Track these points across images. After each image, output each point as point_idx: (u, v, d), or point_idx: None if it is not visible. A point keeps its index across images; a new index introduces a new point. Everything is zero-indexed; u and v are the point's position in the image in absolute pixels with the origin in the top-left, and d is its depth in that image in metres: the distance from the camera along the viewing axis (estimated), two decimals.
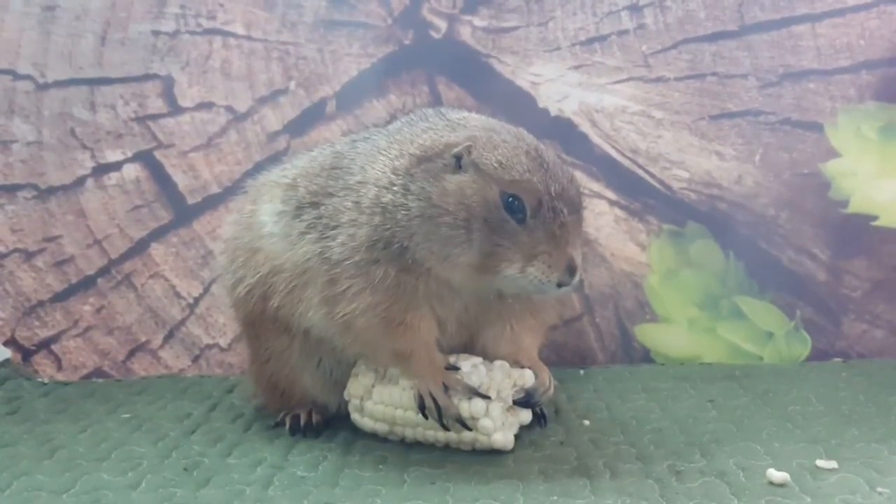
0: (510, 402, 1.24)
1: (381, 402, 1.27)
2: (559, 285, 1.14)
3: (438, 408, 1.19)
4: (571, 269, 1.13)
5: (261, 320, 1.34)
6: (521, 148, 1.17)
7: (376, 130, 1.33)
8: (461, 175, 1.16)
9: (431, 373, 1.20)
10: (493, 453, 1.22)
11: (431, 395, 1.20)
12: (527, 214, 1.13)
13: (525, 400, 1.25)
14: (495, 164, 1.14)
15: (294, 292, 1.27)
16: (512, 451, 1.24)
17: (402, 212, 1.17)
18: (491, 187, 1.14)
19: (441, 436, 1.22)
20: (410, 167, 1.19)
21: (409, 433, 1.25)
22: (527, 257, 1.13)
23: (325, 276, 1.22)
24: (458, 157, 1.17)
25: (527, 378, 1.25)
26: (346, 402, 1.33)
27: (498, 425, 1.21)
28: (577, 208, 1.17)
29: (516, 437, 1.25)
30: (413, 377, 1.22)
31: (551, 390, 1.27)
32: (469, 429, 1.20)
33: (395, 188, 1.18)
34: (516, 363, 1.26)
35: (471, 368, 1.21)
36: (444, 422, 1.20)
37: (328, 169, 1.28)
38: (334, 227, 1.21)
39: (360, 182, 1.22)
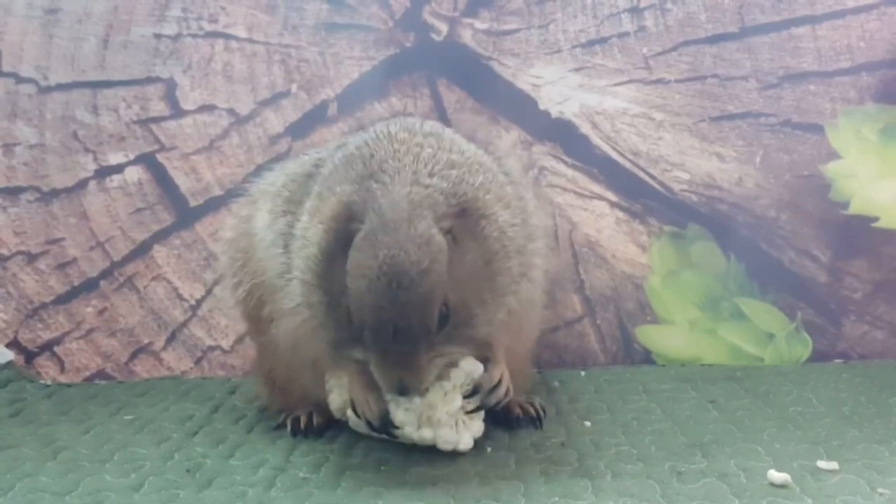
0: (466, 404, 1.21)
1: (356, 424, 1.27)
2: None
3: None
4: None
5: (260, 319, 1.34)
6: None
7: (353, 139, 1.28)
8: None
9: (361, 386, 1.20)
10: (495, 453, 1.23)
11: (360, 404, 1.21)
12: None
13: (474, 394, 1.20)
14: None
15: (275, 305, 1.28)
16: (513, 451, 1.24)
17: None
18: None
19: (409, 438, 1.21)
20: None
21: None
22: None
23: (278, 291, 1.24)
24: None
25: (474, 369, 1.19)
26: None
27: (449, 429, 1.19)
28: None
29: (517, 434, 1.24)
30: (350, 386, 1.24)
31: (502, 391, 1.22)
32: (394, 436, 1.20)
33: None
34: (480, 356, 1.22)
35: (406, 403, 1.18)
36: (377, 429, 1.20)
37: (303, 176, 1.27)
38: (291, 241, 1.21)
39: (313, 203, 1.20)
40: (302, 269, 1.15)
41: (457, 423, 1.20)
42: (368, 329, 1.07)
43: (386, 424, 1.19)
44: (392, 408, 1.18)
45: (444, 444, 1.19)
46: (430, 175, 1.12)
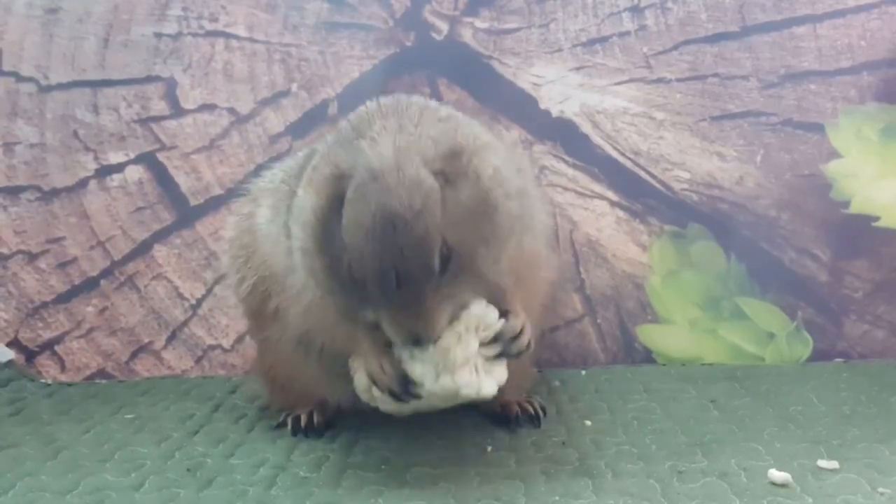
0: (484, 349, 1.16)
1: (384, 402, 1.26)
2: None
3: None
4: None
5: (263, 315, 1.35)
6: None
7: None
8: None
9: (373, 353, 1.18)
10: (495, 452, 1.23)
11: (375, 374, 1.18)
12: None
13: (495, 342, 1.17)
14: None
15: (284, 294, 1.27)
16: (514, 451, 1.24)
17: None
18: None
19: (430, 404, 1.18)
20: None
21: (417, 406, 1.22)
22: None
23: (287, 277, 1.23)
24: None
25: (486, 313, 1.15)
26: (345, 397, 1.32)
27: (468, 372, 1.13)
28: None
29: (517, 433, 1.24)
30: (364, 357, 1.21)
31: (524, 339, 1.18)
32: (419, 397, 1.15)
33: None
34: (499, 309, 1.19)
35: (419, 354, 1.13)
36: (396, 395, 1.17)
37: (299, 168, 1.27)
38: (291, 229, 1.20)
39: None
40: (301, 238, 1.14)
41: (476, 368, 1.14)
42: (371, 281, 1.05)
43: (405, 386, 1.15)
44: (408, 367, 1.14)
45: (466, 388, 1.12)
46: (417, 125, 1.11)
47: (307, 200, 1.14)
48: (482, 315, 1.14)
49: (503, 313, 1.17)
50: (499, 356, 1.17)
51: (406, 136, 1.09)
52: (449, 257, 1.07)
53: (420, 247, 1.04)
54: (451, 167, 1.09)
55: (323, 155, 1.17)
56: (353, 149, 1.10)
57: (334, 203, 1.09)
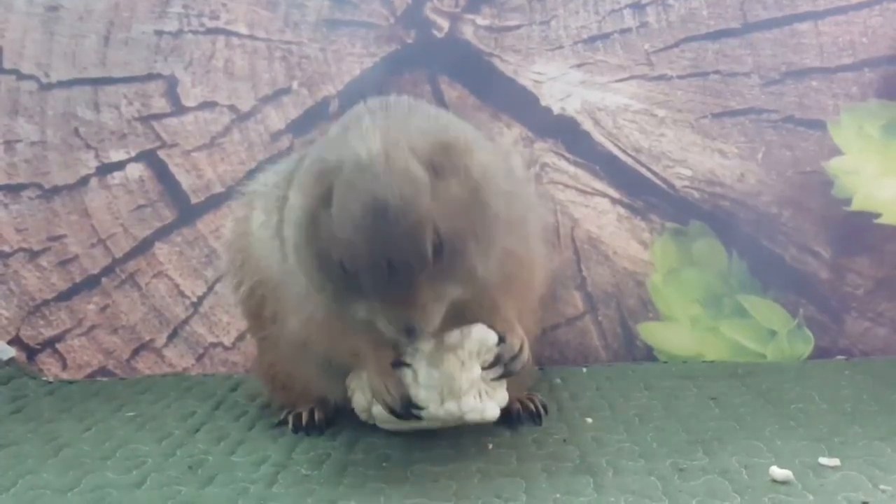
0: (486, 373, 1.19)
1: (383, 419, 1.26)
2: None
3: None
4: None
5: (261, 317, 1.35)
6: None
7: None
8: None
9: (378, 372, 1.18)
10: (496, 450, 1.23)
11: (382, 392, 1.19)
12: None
13: (495, 364, 1.19)
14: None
15: (280, 301, 1.27)
16: (515, 448, 1.24)
17: None
18: None
19: (430, 425, 1.20)
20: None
21: (417, 425, 1.23)
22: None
23: (282, 287, 1.23)
24: None
25: (486, 337, 1.18)
26: (346, 396, 1.32)
27: (472, 398, 1.16)
28: None
29: (518, 431, 1.24)
30: (368, 375, 1.22)
31: (524, 356, 1.20)
32: (420, 419, 1.17)
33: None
34: (491, 327, 1.20)
35: (425, 366, 1.16)
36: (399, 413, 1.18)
37: (291, 172, 1.26)
38: (285, 237, 1.19)
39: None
40: (293, 237, 1.14)
41: (480, 393, 1.17)
42: (363, 271, 1.04)
43: (408, 407, 1.16)
44: (412, 390, 1.16)
45: (471, 413, 1.15)
46: (406, 120, 1.11)
47: (297, 199, 1.12)
48: (482, 339, 1.17)
49: (499, 333, 1.18)
50: (500, 377, 1.19)
51: (395, 129, 1.08)
52: (441, 247, 1.05)
53: (412, 234, 1.03)
54: (441, 161, 1.07)
55: (312, 156, 1.16)
56: (340, 143, 1.09)
57: (323, 198, 1.07)
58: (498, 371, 1.18)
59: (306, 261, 1.12)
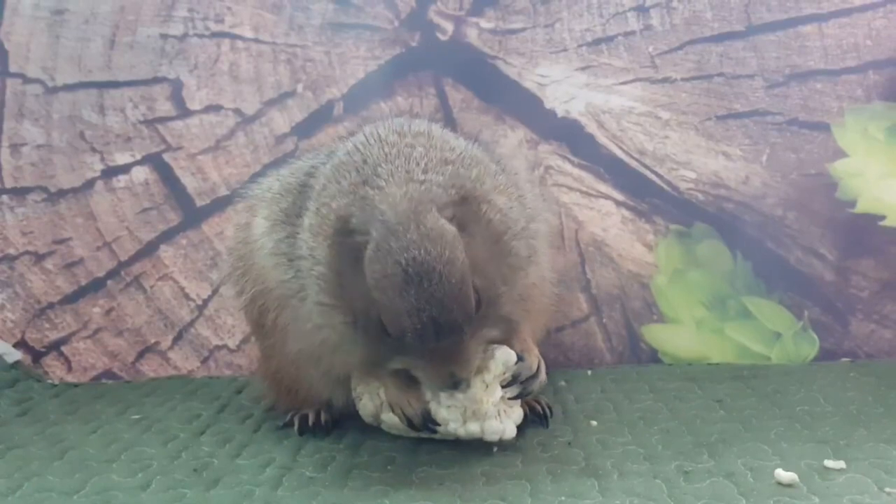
0: (506, 392, 1.22)
1: (391, 426, 1.27)
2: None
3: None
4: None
5: (263, 326, 1.35)
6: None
7: (342, 145, 1.27)
8: None
9: (397, 386, 1.21)
10: (501, 453, 1.23)
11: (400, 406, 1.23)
12: None
13: (513, 383, 1.21)
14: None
15: (283, 313, 1.28)
16: (520, 451, 1.24)
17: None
18: None
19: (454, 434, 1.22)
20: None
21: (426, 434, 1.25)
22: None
23: (288, 305, 1.24)
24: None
25: (509, 359, 1.21)
26: (352, 398, 1.32)
27: (494, 419, 1.19)
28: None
29: (524, 433, 1.24)
30: (386, 389, 1.24)
31: (541, 376, 1.24)
32: (434, 432, 1.21)
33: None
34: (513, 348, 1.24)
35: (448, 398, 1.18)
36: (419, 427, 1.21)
37: (298, 186, 1.27)
38: (298, 257, 1.20)
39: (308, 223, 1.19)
40: (316, 292, 1.15)
41: (499, 413, 1.20)
42: (411, 335, 1.06)
43: (426, 422, 1.19)
44: (433, 407, 1.19)
45: (491, 434, 1.19)
46: (424, 171, 1.11)
47: (318, 252, 1.14)
48: (506, 361, 1.20)
49: (517, 353, 1.21)
50: (516, 397, 1.22)
51: (416, 185, 1.09)
52: (479, 300, 1.08)
53: (458, 295, 1.05)
54: (462, 213, 1.10)
55: (325, 197, 1.16)
56: (360, 199, 1.10)
57: (348, 257, 1.09)
58: (516, 390, 1.21)
59: (332, 317, 1.14)
